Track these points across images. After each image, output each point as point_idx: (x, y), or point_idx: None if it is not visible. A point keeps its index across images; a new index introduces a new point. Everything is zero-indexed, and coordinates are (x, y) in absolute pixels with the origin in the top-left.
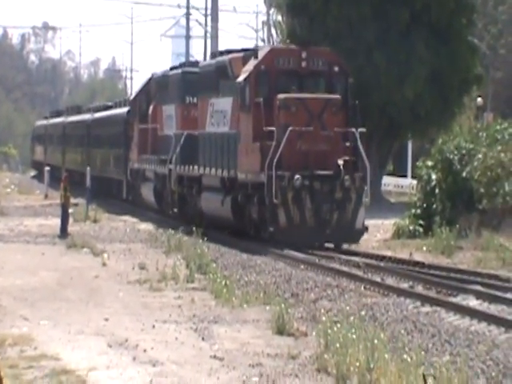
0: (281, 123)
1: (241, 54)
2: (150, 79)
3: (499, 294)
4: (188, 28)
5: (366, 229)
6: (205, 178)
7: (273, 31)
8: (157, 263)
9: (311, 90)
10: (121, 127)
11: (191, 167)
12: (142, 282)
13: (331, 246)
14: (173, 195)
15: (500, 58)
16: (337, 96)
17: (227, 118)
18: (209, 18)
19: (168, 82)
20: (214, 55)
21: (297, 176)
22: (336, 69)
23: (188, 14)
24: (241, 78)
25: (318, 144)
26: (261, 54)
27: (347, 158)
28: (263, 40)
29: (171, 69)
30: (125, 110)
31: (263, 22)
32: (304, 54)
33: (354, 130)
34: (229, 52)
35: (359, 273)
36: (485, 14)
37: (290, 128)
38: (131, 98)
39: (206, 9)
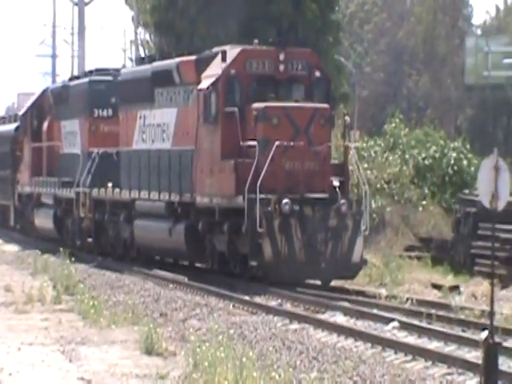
0: (259, 137)
1: (192, 58)
2: (43, 92)
3: (366, 310)
4: (54, 47)
5: (364, 262)
6: (139, 203)
7: (141, 50)
8: (23, 285)
9: (289, 99)
10: (7, 146)
11: (116, 190)
12: (8, 304)
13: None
14: (81, 223)
15: (366, 77)
16: (325, 105)
17: (168, 133)
18: (76, 37)
19: (69, 94)
20: (141, 61)
21: (285, 200)
22: (317, 73)
23: (54, 33)
24: (204, 85)
25: (307, 162)
26: (230, 56)
27: (341, 178)
28: (131, 59)
29: (71, 79)
30: (12, 126)
31: (131, 41)
32: (282, 56)
33: (350, 144)
34: (164, 57)
35: (228, 291)
36: (351, 32)
37: (277, 143)
38: (21, 113)
39: (72, 28)
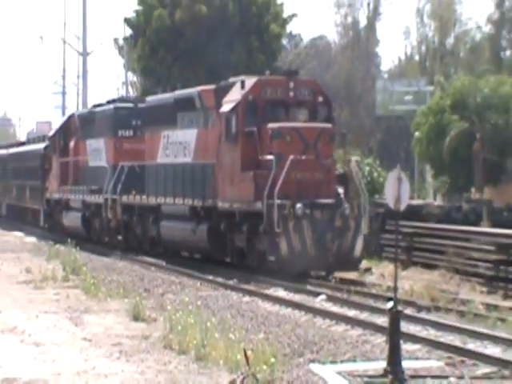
0: (275, 152)
1: (212, 86)
2: (69, 118)
3: (301, 286)
4: (64, 86)
5: (363, 256)
6: (165, 207)
7: (130, 89)
8: (40, 267)
9: (298, 119)
10: (37, 161)
11: (144, 196)
12: (28, 282)
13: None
14: (109, 223)
15: None
16: (329, 125)
17: (189, 149)
18: (80, 79)
19: (95, 118)
20: (164, 91)
21: (299, 205)
22: (320, 99)
23: (64, 76)
24: (226, 108)
25: (316, 173)
26: (248, 85)
27: (344, 186)
28: (122, 95)
29: (94, 106)
30: (41, 145)
31: (122, 82)
32: (291, 84)
33: (352, 158)
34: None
35: (196, 273)
36: None
37: (291, 157)
38: (50, 135)
39: (78, 71)
